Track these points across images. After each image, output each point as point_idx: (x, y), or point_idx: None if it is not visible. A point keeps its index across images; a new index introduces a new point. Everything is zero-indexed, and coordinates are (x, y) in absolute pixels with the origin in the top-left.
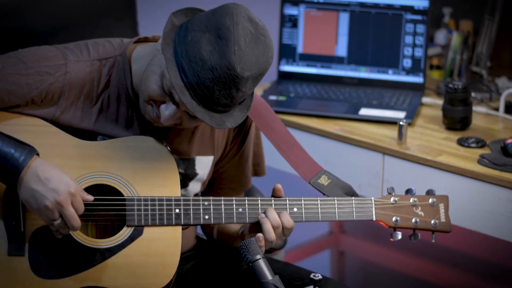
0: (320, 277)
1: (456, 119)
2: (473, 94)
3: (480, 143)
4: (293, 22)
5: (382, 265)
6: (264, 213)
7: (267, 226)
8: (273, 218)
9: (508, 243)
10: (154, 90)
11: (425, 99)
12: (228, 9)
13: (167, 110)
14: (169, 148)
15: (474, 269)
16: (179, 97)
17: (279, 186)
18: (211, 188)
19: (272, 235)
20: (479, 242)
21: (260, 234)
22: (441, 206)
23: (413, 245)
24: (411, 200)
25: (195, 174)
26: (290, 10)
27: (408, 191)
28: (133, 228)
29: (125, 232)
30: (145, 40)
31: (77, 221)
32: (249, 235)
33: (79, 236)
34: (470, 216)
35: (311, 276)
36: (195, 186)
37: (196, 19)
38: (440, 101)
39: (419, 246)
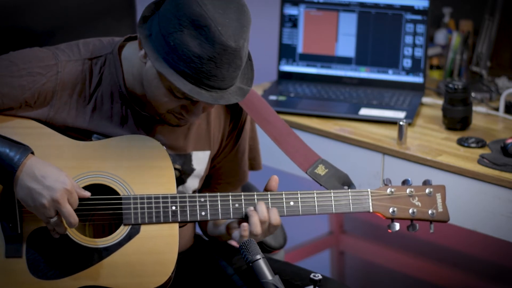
0: (320, 277)
1: (456, 119)
2: (473, 94)
3: (480, 143)
4: (293, 22)
5: (382, 265)
6: (254, 206)
7: (254, 219)
8: (261, 212)
9: (508, 243)
10: (168, 103)
11: (425, 99)
12: None
13: (196, 111)
14: (164, 146)
15: (474, 269)
16: (199, 100)
17: (275, 177)
18: (208, 184)
19: (258, 228)
20: (479, 242)
21: (245, 223)
22: (438, 196)
23: (413, 245)
24: (408, 190)
25: (192, 170)
26: (290, 10)
27: (405, 182)
28: (130, 227)
29: (122, 231)
30: (136, 38)
31: (74, 218)
32: (236, 229)
33: (76, 236)
34: (470, 216)
35: (311, 276)
36: (193, 182)
37: (163, 22)
38: (440, 101)
39: (419, 246)
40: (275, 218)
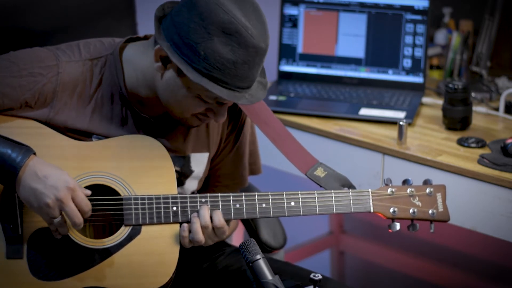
0: (320, 277)
1: (456, 119)
2: (473, 94)
3: (480, 143)
4: (293, 22)
5: (382, 265)
6: (197, 211)
7: (195, 226)
8: (203, 217)
9: (508, 243)
10: (197, 109)
11: (425, 99)
12: (206, 4)
13: (220, 113)
14: (164, 146)
15: (474, 269)
16: (237, 103)
17: None
18: (206, 185)
19: (199, 235)
20: (479, 242)
21: (186, 224)
22: (439, 195)
23: (413, 245)
24: (408, 190)
25: (191, 172)
26: (290, 10)
27: (405, 182)
28: (131, 227)
29: (123, 231)
30: (137, 39)
31: (79, 217)
32: None
33: (77, 237)
34: (470, 216)
35: (311, 276)
36: (191, 184)
37: (187, 32)
38: (440, 101)
39: (419, 246)
40: (218, 219)
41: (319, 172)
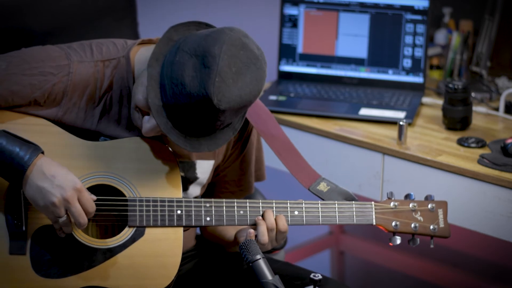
0: (320, 277)
1: (456, 119)
2: (473, 94)
3: (480, 143)
4: (293, 22)
5: (382, 265)
6: (262, 215)
7: (262, 228)
8: (269, 220)
9: (508, 243)
10: (140, 100)
11: (425, 99)
12: (221, 35)
13: (148, 123)
14: (171, 149)
15: (474, 269)
16: (153, 116)
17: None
18: (212, 191)
19: (265, 237)
20: (479, 242)
21: (251, 230)
22: (440, 211)
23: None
24: (411, 205)
25: (196, 178)
26: (290, 10)
27: (408, 196)
28: (134, 229)
29: (127, 232)
30: (149, 42)
31: (83, 218)
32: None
33: (81, 236)
34: (470, 216)
35: (311, 276)
36: (195, 190)
37: (190, 38)
38: (440, 101)
39: (419, 246)
40: (283, 224)
41: (322, 187)
